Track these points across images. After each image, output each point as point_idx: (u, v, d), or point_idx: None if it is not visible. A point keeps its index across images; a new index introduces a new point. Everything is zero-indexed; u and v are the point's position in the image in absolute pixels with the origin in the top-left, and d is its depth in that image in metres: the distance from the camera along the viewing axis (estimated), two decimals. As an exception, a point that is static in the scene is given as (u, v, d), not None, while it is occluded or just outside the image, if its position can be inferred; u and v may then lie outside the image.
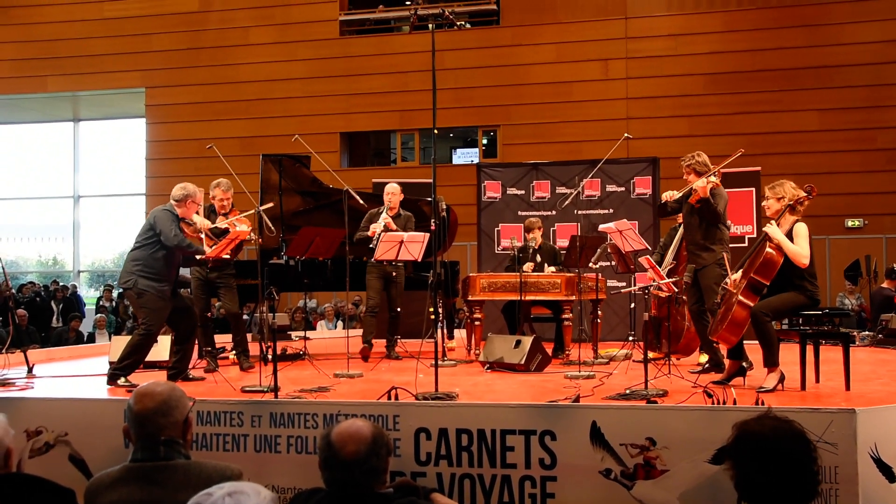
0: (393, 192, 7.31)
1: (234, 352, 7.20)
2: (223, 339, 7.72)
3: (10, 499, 2.40)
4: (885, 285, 10.66)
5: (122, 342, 7.00)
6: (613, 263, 7.05)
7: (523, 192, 9.86)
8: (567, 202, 7.21)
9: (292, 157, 7.87)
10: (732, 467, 2.24)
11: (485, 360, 6.55)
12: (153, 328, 5.68)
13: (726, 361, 5.62)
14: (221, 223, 6.30)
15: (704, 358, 6.51)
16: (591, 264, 7.06)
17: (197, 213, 6.21)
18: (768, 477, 2.16)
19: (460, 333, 8.47)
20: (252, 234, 6.47)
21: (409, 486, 2.95)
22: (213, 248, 6.19)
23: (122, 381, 5.59)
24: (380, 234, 6.88)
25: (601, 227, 7.20)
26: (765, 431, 2.22)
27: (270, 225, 6.67)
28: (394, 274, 7.28)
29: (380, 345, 7.47)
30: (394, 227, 7.03)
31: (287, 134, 9.17)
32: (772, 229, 5.11)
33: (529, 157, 12.26)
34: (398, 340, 7.47)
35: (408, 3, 16.04)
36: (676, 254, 6.56)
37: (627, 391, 4.85)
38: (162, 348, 6.87)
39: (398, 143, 16.58)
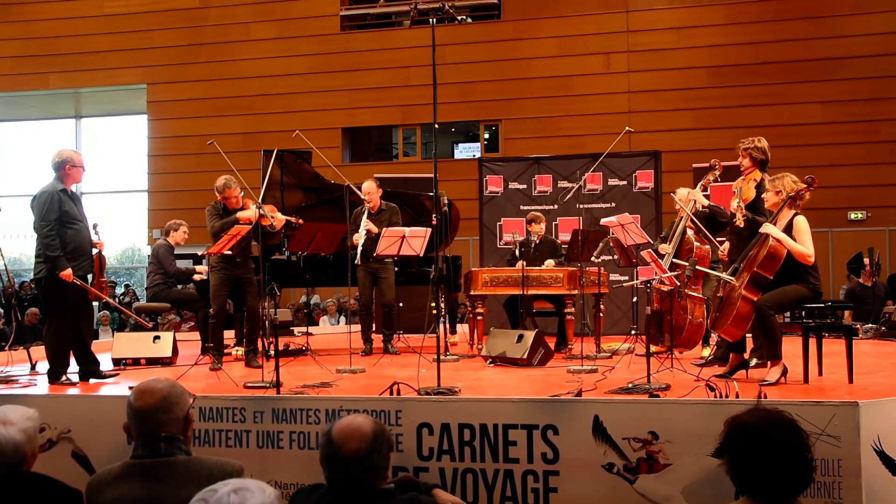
0: (370, 191, 7.24)
1: (238, 347, 7.21)
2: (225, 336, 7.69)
3: (19, 498, 2.40)
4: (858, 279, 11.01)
5: (124, 339, 7.03)
6: (615, 257, 7.04)
7: (525, 186, 9.84)
8: (569, 196, 7.17)
9: (294, 152, 7.87)
10: (727, 461, 2.25)
11: (487, 354, 6.54)
12: None
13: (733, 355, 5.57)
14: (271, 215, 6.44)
15: (707, 351, 6.50)
16: (593, 258, 7.05)
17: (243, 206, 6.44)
18: (763, 467, 2.17)
19: (462, 328, 8.46)
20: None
21: (410, 481, 2.96)
22: (216, 244, 6.19)
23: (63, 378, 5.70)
24: (363, 243, 6.90)
25: (603, 220, 7.20)
26: (756, 423, 2.24)
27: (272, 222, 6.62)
28: (380, 270, 7.26)
29: (378, 339, 7.49)
30: (375, 230, 6.98)
31: (288, 130, 9.15)
32: (771, 229, 5.03)
33: (531, 152, 12.25)
34: (399, 335, 7.46)
35: (408, -3, 16.02)
36: (678, 246, 6.54)
37: (630, 385, 4.84)
38: (164, 345, 6.88)
39: (400, 138, 16.56)
